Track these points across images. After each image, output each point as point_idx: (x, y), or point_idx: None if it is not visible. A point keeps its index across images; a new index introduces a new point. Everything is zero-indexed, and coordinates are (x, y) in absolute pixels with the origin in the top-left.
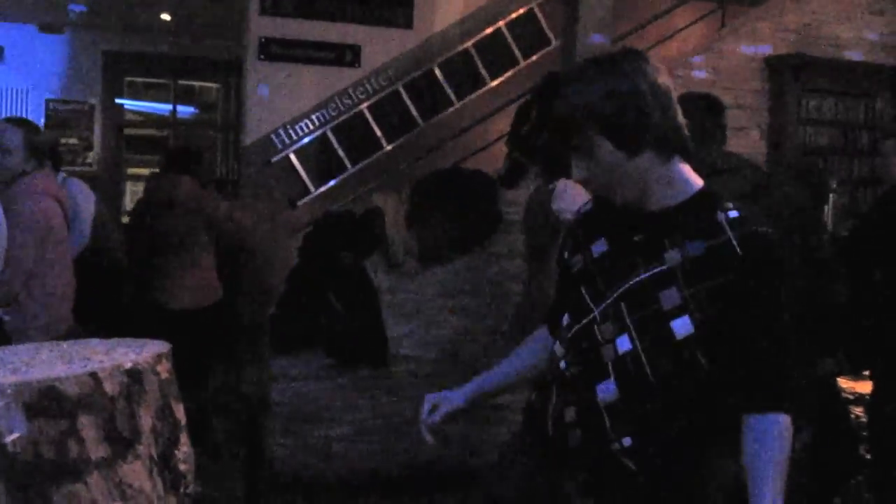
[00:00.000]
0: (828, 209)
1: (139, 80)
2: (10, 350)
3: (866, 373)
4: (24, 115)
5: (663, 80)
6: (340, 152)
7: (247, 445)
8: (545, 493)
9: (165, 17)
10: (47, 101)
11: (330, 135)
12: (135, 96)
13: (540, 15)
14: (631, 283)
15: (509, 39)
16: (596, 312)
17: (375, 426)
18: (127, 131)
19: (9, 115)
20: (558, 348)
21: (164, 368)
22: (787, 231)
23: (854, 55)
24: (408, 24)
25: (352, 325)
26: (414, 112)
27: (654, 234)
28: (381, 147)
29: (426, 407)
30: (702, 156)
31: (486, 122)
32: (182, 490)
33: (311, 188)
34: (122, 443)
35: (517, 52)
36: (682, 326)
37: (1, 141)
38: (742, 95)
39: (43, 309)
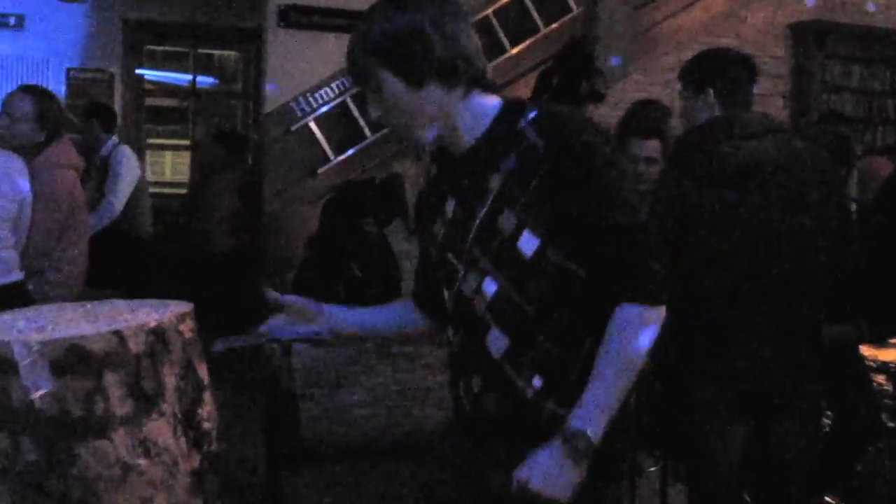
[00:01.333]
0: (854, 176)
1: (159, 48)
2: (35, 309)
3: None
4: (44, 84)
5: (452, 7)
6: (360, 120)
7: (266, 408)
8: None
9: None
10: (68, 70)
11: (350, 103)
12: (154, 65)
13: None
14: (476, 224)
15: (530, 6)
16: (461, 270)
17: (395, 392)
18: (147, 101)
19: (29, 83)
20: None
21: (187, 327)
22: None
23: (879, 21)
24: None
25: (372, 292)
26: None
27: (475, 170)
28: None
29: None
30: (734, 116)
31: (507, 89)
32: (205, 448)
33: (331, 156)
34: (146, 400)
35: (538, 19)
36: (527, 243)
37: (10, 109)
38: (765, 63)
39: (63, 277)
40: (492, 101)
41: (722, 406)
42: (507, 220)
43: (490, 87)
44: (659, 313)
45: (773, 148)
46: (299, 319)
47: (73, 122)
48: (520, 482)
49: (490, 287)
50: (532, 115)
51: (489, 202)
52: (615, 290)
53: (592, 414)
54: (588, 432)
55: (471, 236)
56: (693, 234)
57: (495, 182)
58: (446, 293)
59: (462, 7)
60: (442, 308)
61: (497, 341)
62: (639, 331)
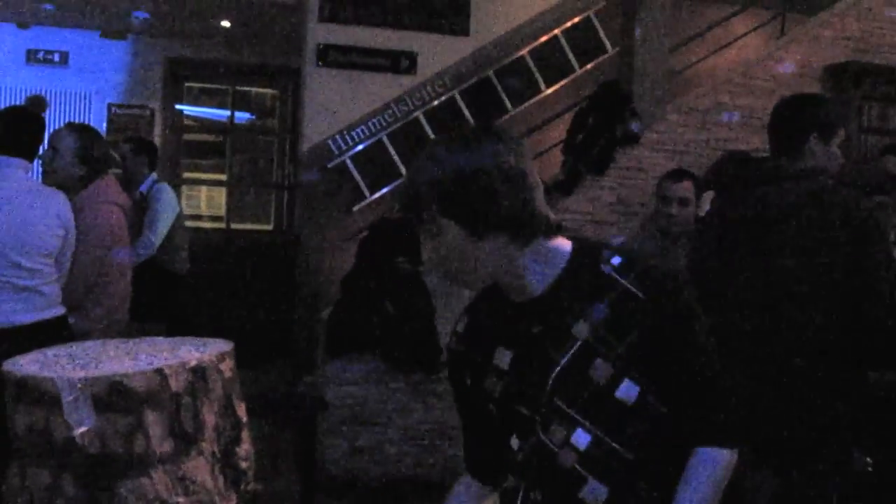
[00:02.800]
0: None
1: (197, 85)
2: (78, 346)
3: None
4: (86, 119)
5: (519, 162)
6: (396, 158)
7: (301, 446)
8: None
9: (225, 24)
10: (109, 106)
11: (386, 141)
12: (193, 102)
13: (597, 22)
14: (553, 375)
15: (566, 47)
16: (539, 422)
17: (427, 430)
18: (185, 136)
19: (72, 118)
20: (510, 481)
21: (227, 366)
22: (836, 241)
23: None
24: (464, 32)
25: (405, 331)
26: (469, 119)
27: (552, 317)
28: None
29: None
30: (770, 163)
31: (542, 129)
32: (243, 487)
33: (367, 194)
34: (185, 439)
35: (573, 60)
36: (627, 391)
37: (54, 143)
38: None
39: (106, 311)
40: (561, 245)
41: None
42: (600, 370)
43: (553, 231)
44: (734, 455)
45: (784, 193)
46: None
47: (116, 158)
48: None
49: (583, 438)
50: (617, 261)
51: (573, 350)
52: (699, 435)
53: None
54: None
55: (549, 386)
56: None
57: (581, 329)
58: (516, 443)
59: (523, 143)
60: (500, 468)
61: (595, 492)
62: (722, 472)
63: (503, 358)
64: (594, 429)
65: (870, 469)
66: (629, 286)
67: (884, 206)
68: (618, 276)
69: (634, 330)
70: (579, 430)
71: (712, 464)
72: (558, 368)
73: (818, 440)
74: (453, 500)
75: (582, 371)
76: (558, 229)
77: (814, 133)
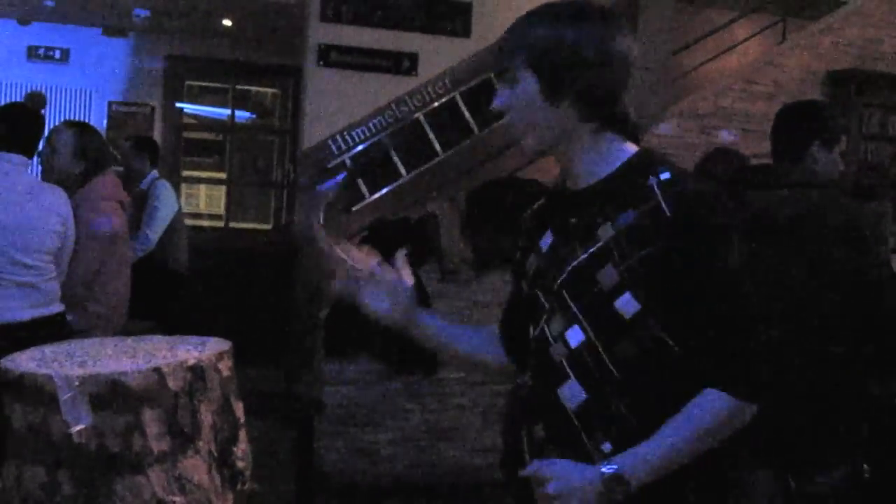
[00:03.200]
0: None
1: (198, 84)
2: (76, 344)
3: None
4: (86, 116)
5: (623, 46)
6: (396, 159)
7: (298, 447)
8: None
9: (227, 22)
10: (110, 103)
11: (386, 141)
12: (194, 100)
13: None
14: (569, 268)
15: None
16: (547, 310)
17: (424, 432)
18: (185, 134)
19: (72, 115)
20: (523, 378)
21: (225, 366)
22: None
23: None
24: (465, 33)
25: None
26: (470, 120)
27: (587, 212)
28: (437, 155)
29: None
30: (782, 168)
31: None
32: (239, 487)
33: (366, 194)
34: (183, 438)
35: None
36: (626, 304)
37: (52, 141)
38: None
39: (104, 309)
40: (624, 147)
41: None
42: (606, 276)
43: (628, 133)
44: (746, 411)
45: (787, 200)
46: (388, 296)
47: (116, 155)
48: (537, 475)
49: (576, 336)
50: (665, 175)
51: (592, 250)
52: (710, 376)
53: (641, 464)
54: (627, 477)
55: (562, 277)
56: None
57: (605, 233)
58: (532, 331)
59: (630, 32)
60: (524, 346)
61: (574, 393)
62: (720, 417)
63: (546, 239)
64: (589, 331)
65: (867, 476)
66: (662, 202)
67: (882, 213)
68: (657, 190)
69: (651, 246)
70: (575, 327)
71: (712, 405)
72: (575, 262)
73: (825, 446)
74: (483, 330)
75: (592, 271)
76: (634, 134)
77: (817, 140)
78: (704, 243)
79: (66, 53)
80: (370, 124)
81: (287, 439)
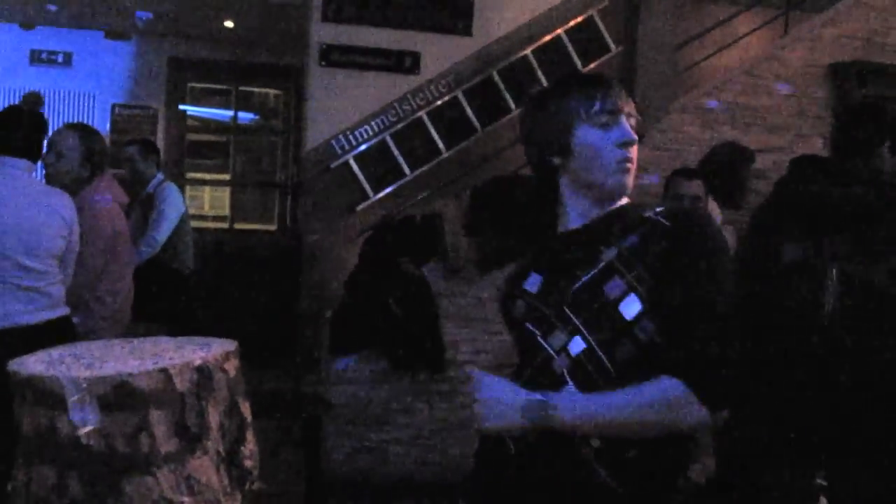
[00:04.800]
0: None
1: (200, 86)
2: (83, 346)
3: None
4: (90, 120)
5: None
6: (399, 158)
7: (305, 446)
8: None
9: (229, 24)
10: (113, 106)
11: (389, 141)
12: (196, 102)
13: (600, 22)
14: (573, 290)
15: (569, 46)
16: (546, 345)
17: (432, 430)
18: (188, 136)
19: (76, 119)
20: None
21: (231, 366)
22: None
23: None
24: (467, 31)
25: (410, 330)
26: (473, 119)
27: (586, 245)
28: (440, 153)
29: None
30: (853, 165)
31: None
32: (247, 486)
33: (370, 193)
34: (190, 438)
35: (577, 59)
36: (629, 305)
37: (57, 146)
38: (805, 103)
39: (109, 310)
40: (619, 199)
41: (782, 450)
42: (613, 287)
43: (617, 194)
44: (702, 415)
45: (861, 197)
46: None
47: (118, 157)
48: (472, 378)
49: (577, 346)
50: (660, 209)
51: (594, 271)
52: (671, 361)
53: (572, 405)
54: (552, 411)
55: (567, 301)
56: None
57: (608, 255)
58: (519, 360)
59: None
60: None
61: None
62: (670, 402)
63: (532, 281)
64: (590, 337)
65: None
66: (661, 220)
67: None
68: (655, 217)
69: (655, 250)
70: (577, 338)
71: (667, 389)
72: (578, 284)
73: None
74: None
75: (598, 286)
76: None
77: (888, 142)
78: (698, 252)
79: (68, 57)
80: (373, 124)
81: (295, 439)
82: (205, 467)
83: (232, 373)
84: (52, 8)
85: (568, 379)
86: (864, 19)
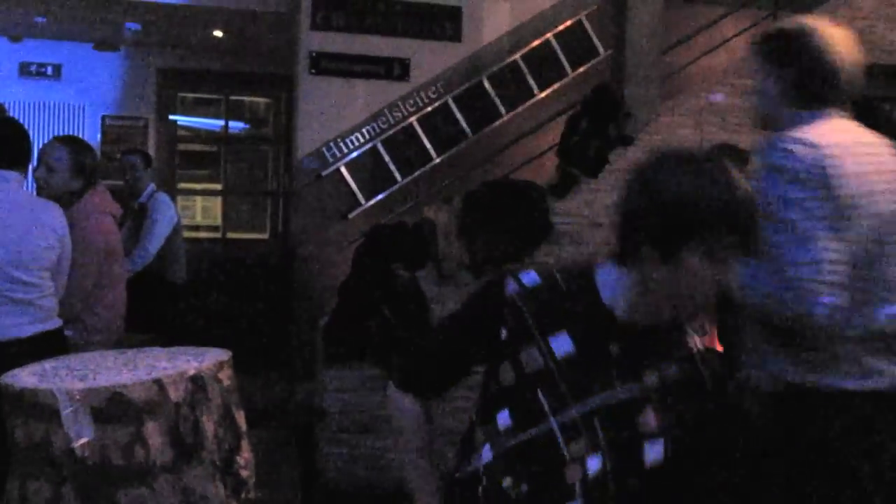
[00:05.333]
0: None
1: (191, 95)
2: (76, 357)
3: None
4: (80, 131)
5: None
6: (391, 165)
7: (299, 454)
8: None
9: (218, 34)
10: (103, 118)
11: (380, 147)
12: (187, 112)
13: (588, 26)
14: (606, 399)
15: (558, 51)
16: (554, 423)
17: None
18: (179, 146)
19: (66, 131)
20: (487, 454)
21: (225, 375)
22: None
23: None
24: (456, 38)
25: (404, 337)
26: (463, 124)
27: (632, 350)
28: (431, 159)
29: None
30: None
31: (536, 133)
32: (243, 496)
33: (362, 200)
34: (185, 448)
35: (566, 64)
36: (653, 452)
37: (47, 160)
38: None
39: (102, 322)
40: None
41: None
42: (646, 421)
43: None
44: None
45: None
46: None
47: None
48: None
49: (595, 464)
50: (698, 337)
51: (634, 390)
52: None
53: None
54: None
55: (594, 405)
56: None
57: (650, 377)
58: (507, 423)
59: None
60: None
61: None
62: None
63: (561, 343)
64: (609, 462)
65: None
66: (699, 363)
67: None
68: (693, 347)
69: (693, 411)
70: (597, 456)
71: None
72: (614, 396)
73: None
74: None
75: (632, 412)
76: None
77: None
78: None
79: (58, 69)
80: (364, 131)
81: (289, 447)
82: (201, 477)
83: (226, 382)
84: (41, 20)
85: (579, 496)
86: (852, 19)
